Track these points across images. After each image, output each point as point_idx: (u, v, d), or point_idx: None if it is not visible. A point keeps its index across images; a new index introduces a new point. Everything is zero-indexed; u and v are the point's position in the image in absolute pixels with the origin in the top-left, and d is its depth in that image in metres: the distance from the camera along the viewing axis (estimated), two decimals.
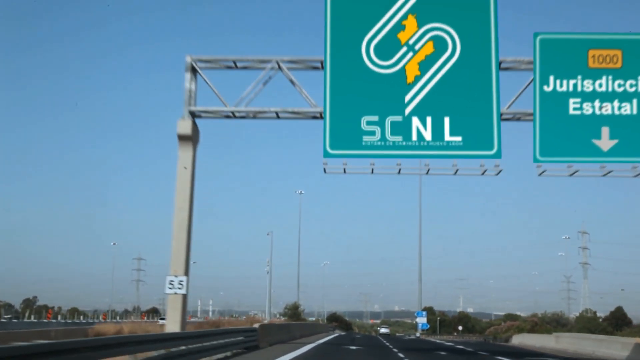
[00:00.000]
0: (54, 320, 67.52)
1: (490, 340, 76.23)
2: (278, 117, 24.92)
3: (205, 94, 24.99)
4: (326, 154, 23.84)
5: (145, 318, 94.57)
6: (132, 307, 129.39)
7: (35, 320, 65.54)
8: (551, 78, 23.50)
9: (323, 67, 23.58)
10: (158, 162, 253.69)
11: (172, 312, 23.21)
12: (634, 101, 23.31)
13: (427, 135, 23.29)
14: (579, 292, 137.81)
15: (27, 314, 76.06)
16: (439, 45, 23.49)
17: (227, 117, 24.75)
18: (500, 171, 24.02)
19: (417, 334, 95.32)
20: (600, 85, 23.40)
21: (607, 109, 23.33)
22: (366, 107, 23.37)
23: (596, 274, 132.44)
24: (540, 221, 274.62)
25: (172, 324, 22.85)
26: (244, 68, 25.04)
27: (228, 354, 21.64)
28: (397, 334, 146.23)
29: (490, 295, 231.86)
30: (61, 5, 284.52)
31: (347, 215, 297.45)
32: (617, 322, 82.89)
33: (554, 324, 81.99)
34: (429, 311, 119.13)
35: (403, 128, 23.30)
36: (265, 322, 50.28)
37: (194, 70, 24.61)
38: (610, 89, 23.35)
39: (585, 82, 23.37)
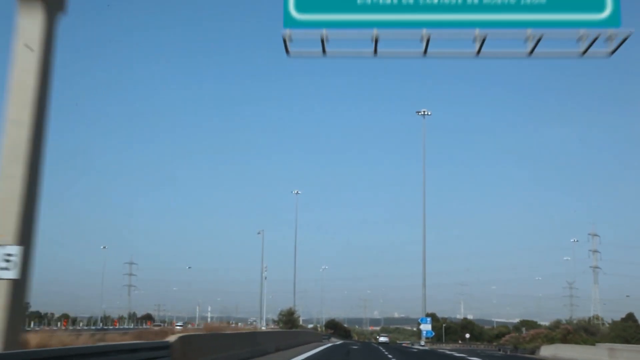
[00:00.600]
0: (70, 328, 63.70)
1: (509, 350, 65.47)
2: None
3: None
4: (290, 22, 12.79)
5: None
6: (126, 314, 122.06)
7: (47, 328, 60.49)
8: None
9: None
10: None
11: None
12: None
13: None
14: (581, 299, 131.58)
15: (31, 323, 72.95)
16: None
17: None
18: (619, 47, 12.83)
19: (422, 343, 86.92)
20: None
21: None
22: None
23: (600, 279, 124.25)
24: (543, 224, 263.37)
25: None
26: None
27: None
28: (398, 342, 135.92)
29: (490, 301, 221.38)
30: None
31: (347, 215, 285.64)
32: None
33: (581, 331, 71.43)
34: (432, 318, 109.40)
35: None
36: (190, 331, 37.67)
37: None
38: None
39: None
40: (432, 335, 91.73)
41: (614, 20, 12.56)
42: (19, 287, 12.28)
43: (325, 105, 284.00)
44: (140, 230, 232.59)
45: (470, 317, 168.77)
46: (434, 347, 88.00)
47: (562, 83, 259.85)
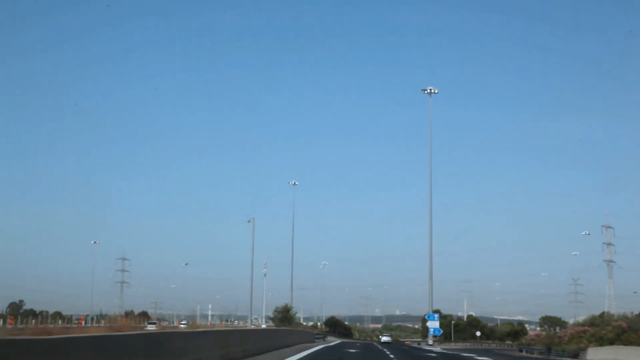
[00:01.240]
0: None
1: (536, 352, 55.00)
2: None
3: None
4: None
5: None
6: (119, 311, 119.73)
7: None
8: None
9: None
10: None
11: None
12: None
13: None
14: (587, 296, 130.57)
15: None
16: None
17: None
18: None
19: (430, 342, 77.00)
20: None
21: None
22: None
23: (603, 276, 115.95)
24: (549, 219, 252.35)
25: None
26: None
27: None
28: (400, 340, 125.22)
29: (493, 299, 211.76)
30: None
31: (347, 211, 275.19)
32: None
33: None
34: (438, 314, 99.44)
35: None
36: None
37: None
38: None
39: None
40: (439, 334, 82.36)
41: None
42: None
43: (326, 100, 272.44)
44: (136, 228, 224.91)
45: (472, 314, 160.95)
46: (445, 347, 76.96)
47: (574, 74, 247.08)
